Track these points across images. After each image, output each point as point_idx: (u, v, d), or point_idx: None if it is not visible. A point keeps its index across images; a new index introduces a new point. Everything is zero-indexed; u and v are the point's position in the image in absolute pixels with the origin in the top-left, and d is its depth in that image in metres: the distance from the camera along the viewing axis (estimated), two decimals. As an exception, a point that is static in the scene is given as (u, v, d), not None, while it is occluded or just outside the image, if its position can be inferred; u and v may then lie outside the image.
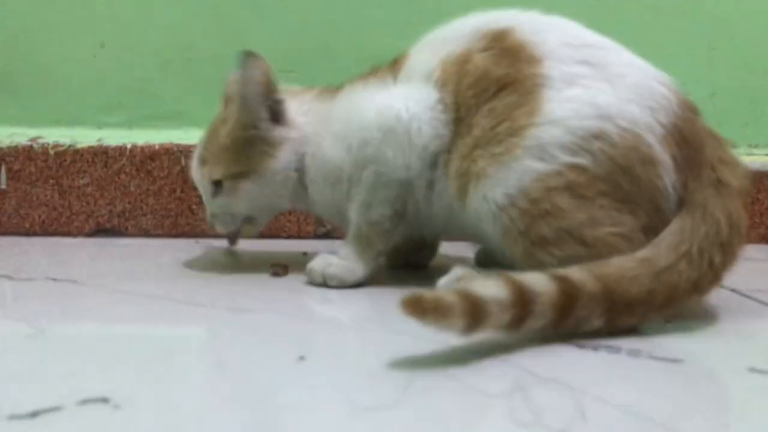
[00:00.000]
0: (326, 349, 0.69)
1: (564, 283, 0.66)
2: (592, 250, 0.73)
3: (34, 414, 0.50)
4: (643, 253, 0.71)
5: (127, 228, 1.24)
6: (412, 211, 0.88)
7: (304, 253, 1.09)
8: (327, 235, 1.26)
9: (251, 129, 0.91)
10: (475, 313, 0.62)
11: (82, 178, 1.24)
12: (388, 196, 0.87)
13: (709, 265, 0.71)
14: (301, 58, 1.25)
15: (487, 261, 0.94)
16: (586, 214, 0.74)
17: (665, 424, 0.51)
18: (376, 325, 0.76)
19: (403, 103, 0.84)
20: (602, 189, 0.74)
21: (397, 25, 1.24)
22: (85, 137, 1.25)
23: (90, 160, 1.24)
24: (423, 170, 0.85)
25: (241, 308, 0.80)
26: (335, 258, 0.89)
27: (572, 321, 0.66)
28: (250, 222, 0.96)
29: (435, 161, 0.85)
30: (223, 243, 1.06)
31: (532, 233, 0.75)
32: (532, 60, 0.79)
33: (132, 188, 1.24)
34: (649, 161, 0.74)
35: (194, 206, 1.24)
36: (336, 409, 0.53)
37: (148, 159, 1.24)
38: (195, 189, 1.23)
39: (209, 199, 0.95)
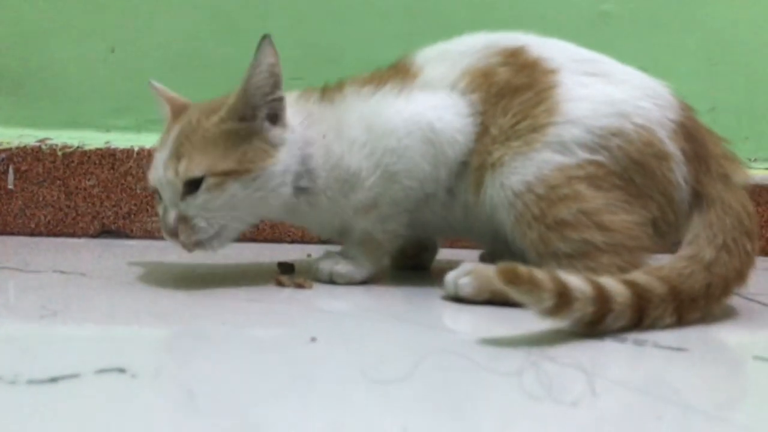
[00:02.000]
0: (336, 332, 0.69)
1: (633, 286, 0.69)
2: (608, 236, 0.76)
3: (53, 380, 0.50)
4: (687, 251, 0.76)
5: (132, 230, 1.25)
6: (427, 217, 0.89)
7: (309, 255, 1.10)
8: (330, 240, 1.27)
9: (246, 121, 0.83)
10: (563, 295, 0.63)
11: (89, 180, 1.25)
12: (409, 207, 0.87)
13: (745, 253, 0.76)
14: (309, 66, 1.27)
15: (491, 263, 0.95)
16: (604, 200, 0.77)
17: (672, 400, 0.52)
18: (382, 315, 0.77)
19: (434, 113, 0.83)
20: (617, 183, 0.78)
21: (402, 36, 1.26)
22: (92, 140, 1.27)
23: (97, 162, 1.25)
24: (448, 180, 0.85)
25: (250, 298, 0.81)
26: (341, 257, 0.90)
27: (648, 322, 0.69)
28: (220, 233, 0.83)
29: (459, 171, 0.85)
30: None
31: (549, 217, 0.77)
32: (548, 71, 0.83)
33: (138, 190, 1.25)
34: (662, 156, 0.79)
35: (199, 209, 1.25)
36: (348, 381, 0.54)
37: (155, 162, 1.25)
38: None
39: (176, 200, 0.81)
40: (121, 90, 1.29)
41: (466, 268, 0.81)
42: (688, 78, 1.28)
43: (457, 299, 0.80)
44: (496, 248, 0.89)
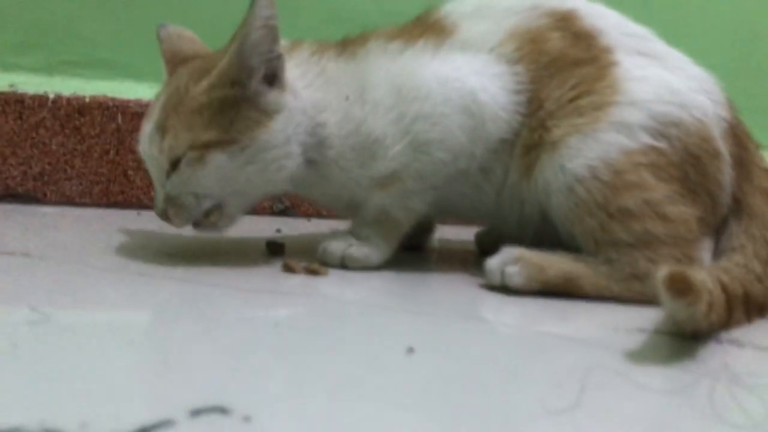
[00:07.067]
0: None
1: (722, 285, 0.64)
2: (670, 227, 0.72)
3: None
4: (737, 258, 0.72)
5: (45, 194, 1.03)
6: (453, 198, 0.78)
7: (278, 230, 0.96)
8: (284, 213, 1.12)
9: (239, 86, 0.72)
10: (710, 305, 0.59)
11: (-13, 131, 1.00)
12: (437, 183, 0.76)
13: None
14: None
15: (490, 243, 0.86)
16: (665, 190, 0.72)
17: None
18: (413, 305, 0.65)
19: (478, 82, 0.74)
20: (675, 174, 0.73)
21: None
22: (-9, 81, 1.02)
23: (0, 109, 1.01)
24: (483, 157, 0.75)
25: (253, 288, 0.66)
26: (354, 238, 0.78)
27: (731, 324, 0.65)
28: (216, 211, 0.73)
29: (497, 149, 0.75)
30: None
31: (612, 205, 0.71)
32: (605, 49, 0.76)
33: (54, 147, 1.02)
34: (715, 154, 0.74)
35: (131, 171, 1.05)
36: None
37: (75, 113, 1.03)
38: (134, 152, 1.06)
39: (163, 179, 0.72)
40: (29, 22, 1.05)
41: (513, 255, 0.72)
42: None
43: (502, 288, 0.70)
44: (524, 233, 0.79)
